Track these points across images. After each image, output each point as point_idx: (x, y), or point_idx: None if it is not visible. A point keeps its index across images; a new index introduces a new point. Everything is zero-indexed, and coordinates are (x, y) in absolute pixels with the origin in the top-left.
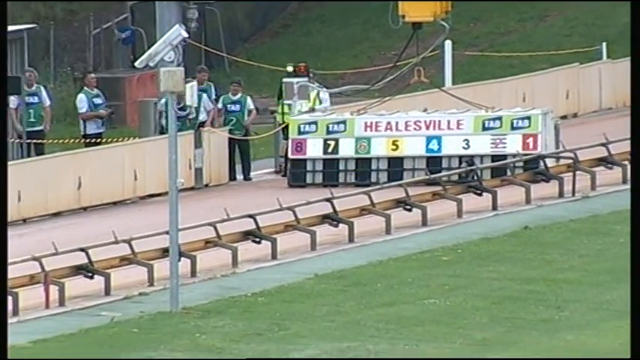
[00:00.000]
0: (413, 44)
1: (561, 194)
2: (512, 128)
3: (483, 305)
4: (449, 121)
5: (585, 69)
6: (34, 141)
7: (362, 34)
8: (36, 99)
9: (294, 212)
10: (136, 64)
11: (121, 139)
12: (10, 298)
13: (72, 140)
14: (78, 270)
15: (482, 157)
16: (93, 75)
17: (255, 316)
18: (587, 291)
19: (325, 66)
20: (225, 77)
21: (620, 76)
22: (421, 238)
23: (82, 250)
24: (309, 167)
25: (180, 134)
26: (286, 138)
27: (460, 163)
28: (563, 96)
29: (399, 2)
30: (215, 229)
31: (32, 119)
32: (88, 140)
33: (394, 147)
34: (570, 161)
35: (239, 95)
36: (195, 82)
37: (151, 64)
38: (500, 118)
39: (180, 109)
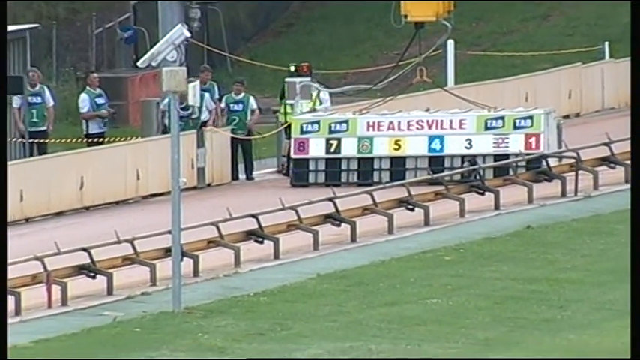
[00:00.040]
0: (415, 44)
1: (564, 194)
2: (515, 128)
3: (486, 305)
4: (451, 121)
5: (588, 69)
6: (37, 140)
7: (364, 34)
8: (39, 99)
9: (297, 212)
10: (139, 63)
11: (123, 139)
12: (12, 298)
13: (74, 140)
14: (80, 270)
15: (484, 156)
16: (95, 74)
17: (258, 315)
18: (589, 290)
19: (328, 65)
20: (228, 77)
21: (622, 76)
22: (423, 237)
23: (84, 249)
24: (311, 167)
25: (183, 134)
26: (289, 138)
27: (462, 162)
28: (565, 96)
29: (402, 2)
30: (217, 228)
31: (35, 119)
32: (90, 140)
33: (396, 147)
34: (573, 161)
35: (242, 95)
36: (197, 82)
37: (154, 64)
38: (502, 118)
39: (182, 108)
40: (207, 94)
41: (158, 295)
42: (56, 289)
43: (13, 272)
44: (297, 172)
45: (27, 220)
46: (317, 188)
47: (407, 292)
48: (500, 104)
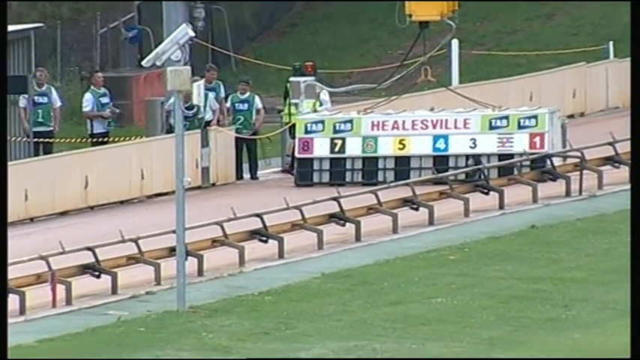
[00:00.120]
0: (420, 43)
1: (568, 193)
2: (519, 127)
3: (490, 304)
4: (456, 120)
5: (592, 68)
6: (41, 140)
7: (369, 33)
8: (45, 99)
9: (301, 211)
10: (143, 63)
11: (128, 139)
12: (16, 297)
13: (79, 139)
14: (85, 269)
15: (489, 156)
16: (100, 74)
17: (262, 315)
18: (593, 290)
19: (332, 65)
20: (232, 76)
21: (627, 76)
22: (428, 237)
23: (88, 249)
24: (315, 166)
25: (187, 133)
26: (293, 137)
27: (467, 162)
28: (570, 95)
29: (406, 1)
30: (222, 228)
31: (40, 119)
32: (95, 139)
33: (401, 146)
34: (577, 160)
35: (247, 94)
36: (202, 81)
37: (158, 64)
38: (507, 117)
39: (187, 108)
40: (210, 94)
41: (162, 295)
42: (60, 289)
43: (17, 271)
44: (302, 172)
45: (32, 219)
46: (321, 188)
47: (411, 292)
48: (504, 104)
